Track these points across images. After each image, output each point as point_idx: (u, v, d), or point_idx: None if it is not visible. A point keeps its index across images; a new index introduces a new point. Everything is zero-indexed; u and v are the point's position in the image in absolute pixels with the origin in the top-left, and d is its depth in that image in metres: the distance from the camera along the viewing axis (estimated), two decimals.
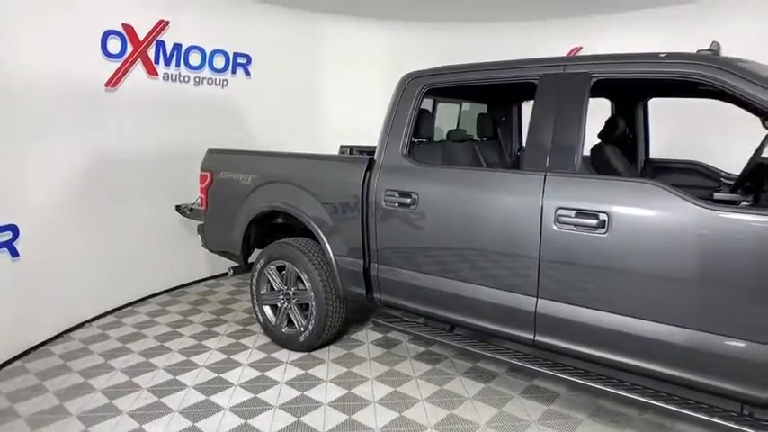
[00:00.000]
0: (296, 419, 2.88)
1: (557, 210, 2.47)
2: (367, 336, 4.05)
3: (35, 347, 3.80)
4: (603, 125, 3.70)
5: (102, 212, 4.40)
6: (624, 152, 3.82)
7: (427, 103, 3.74)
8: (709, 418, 2.24)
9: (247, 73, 5.74)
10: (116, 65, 4.50)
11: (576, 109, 2.52)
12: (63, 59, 4.00)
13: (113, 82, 4.50)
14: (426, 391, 3.19)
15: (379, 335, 4.06)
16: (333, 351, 3.76)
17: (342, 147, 5.39)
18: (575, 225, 2.42)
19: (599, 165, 3.49)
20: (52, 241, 3.91)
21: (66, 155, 4.09)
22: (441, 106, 4.59)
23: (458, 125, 4.67)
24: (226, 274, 5.45)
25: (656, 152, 4.23)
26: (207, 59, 5.34)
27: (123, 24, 4.52)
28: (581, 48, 6.23)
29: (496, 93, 4.15)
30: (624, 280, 2.36)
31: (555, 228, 2.48)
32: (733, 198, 2.34)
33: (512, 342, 2.87)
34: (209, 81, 5.40)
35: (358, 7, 5.98)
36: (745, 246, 2.08)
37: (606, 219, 2.34)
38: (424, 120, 3.34)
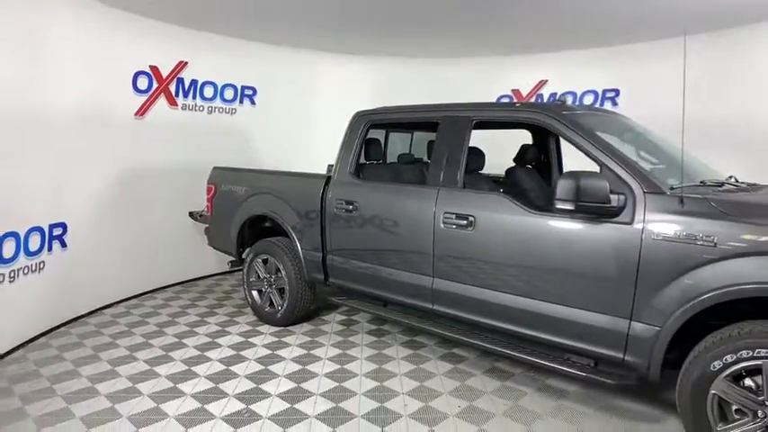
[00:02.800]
0: (264, 368, 3.89)
1: (444, 213, 3.46)
2: (334, 318, 5.05)
3: (75, 319, 4.90)
4: (517, 151, 4.64)
5: (130, 215, 5.51)
6: (541, 174, 4.76)
7: (379, 133, 4.75)
8: (562, 367, 3.08)
9: (253, 102, 6.83)
10: (144, 98, 5.64)
11: (461, 142, 3.51)
12: (103, 94, 5.12)
13: (141, 112, 5.63)
14: (366, 354, 4.17)
15: (344, 317, 5.06)
16: (304, 326, 4.77)
17: (329, 165, 6.42)
18: (454, 224, 3.40)
19: (511, 183, 4.43)
20: (91, 237, 5.01)
21: (103, 168, 5.21)
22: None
23: (409, 150, 5.68)
24: (230, 271, 6.57)
25: None
26: (219, 92, 6.45)
27: (150, 66, 5.68)
28: (546, 80, 7.12)
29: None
30: (484, 263, 3.33)
31: (442, 226, 3.46)
32: None
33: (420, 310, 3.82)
34: (220, 110, 6.51)
35: (348, 45, 6.94)
36: (552, 237, 3.04)
37: (473, 220, 3.31)
38: (371, 147, 4.36)
